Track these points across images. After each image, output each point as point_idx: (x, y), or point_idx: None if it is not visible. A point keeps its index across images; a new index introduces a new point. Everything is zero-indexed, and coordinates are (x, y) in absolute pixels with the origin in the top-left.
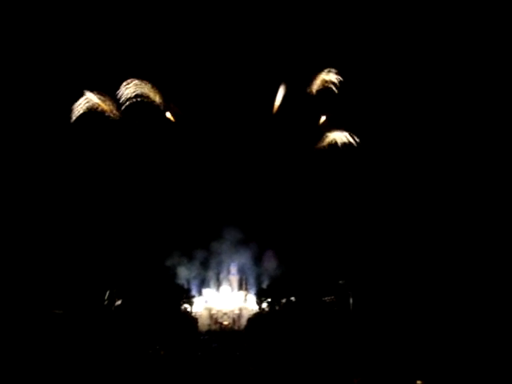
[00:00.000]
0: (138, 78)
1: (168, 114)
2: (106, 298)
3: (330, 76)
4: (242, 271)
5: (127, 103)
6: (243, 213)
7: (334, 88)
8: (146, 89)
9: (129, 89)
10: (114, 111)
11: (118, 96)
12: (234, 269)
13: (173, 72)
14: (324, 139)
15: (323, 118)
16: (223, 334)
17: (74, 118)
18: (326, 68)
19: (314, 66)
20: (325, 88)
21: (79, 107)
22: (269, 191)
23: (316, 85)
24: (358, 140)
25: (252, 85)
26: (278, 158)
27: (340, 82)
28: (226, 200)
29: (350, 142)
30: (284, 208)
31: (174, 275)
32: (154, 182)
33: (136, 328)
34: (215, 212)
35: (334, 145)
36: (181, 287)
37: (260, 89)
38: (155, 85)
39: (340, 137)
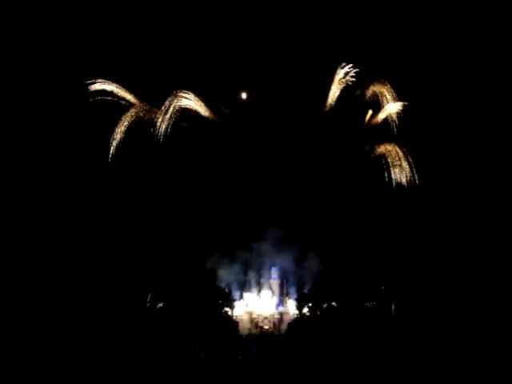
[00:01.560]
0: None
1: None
2: (147, 300)
3: (383, 89)
4: (283, 275)
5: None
6: (286, 216)
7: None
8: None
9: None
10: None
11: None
12: (275, 273)
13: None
14: (375, 149)
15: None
16: (263, 338)
17: None
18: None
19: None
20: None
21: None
22: (313, 195)
23: (369, 93)
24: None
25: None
26: (325, 161)
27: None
28: (269, 203)
29: (398, 157)
30: (327, 212)
31: (216, 279)
32: (197, 184)
33: (177, 331)
34: (258, 215)
35: (382, 156)
36: (222, 291)
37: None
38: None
39: (389, 150)
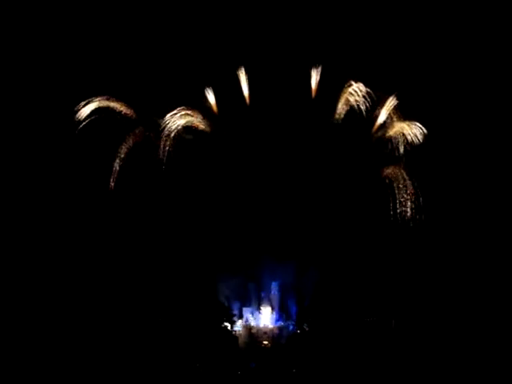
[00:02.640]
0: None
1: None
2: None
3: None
4: (283, 290)
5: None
6: (286, 231)
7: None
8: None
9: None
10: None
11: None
12: (274, 288)
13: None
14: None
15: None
16: (262, 353)
17: None
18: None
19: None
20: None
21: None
22: (316, 209)
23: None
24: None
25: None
26: (329, 175)
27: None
28: (270, 218)
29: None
30: (329, 227)
31: (215, 293)
32: (198, 198)
33: (176, 345)
34: (259, 230)
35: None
36: (221, 305)
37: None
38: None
39: (395, 173)
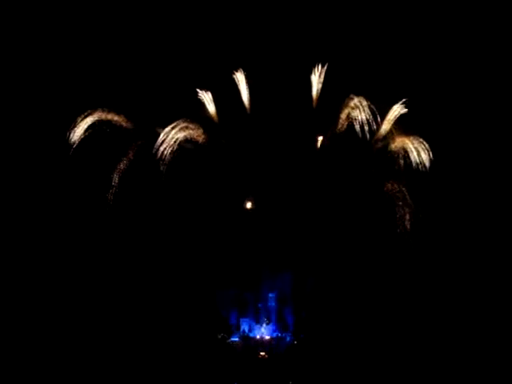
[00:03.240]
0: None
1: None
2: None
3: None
4: (280, 301)
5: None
6: (284, 241)
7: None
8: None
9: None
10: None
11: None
12: (272, 299)
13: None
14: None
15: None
16: (260, 364)
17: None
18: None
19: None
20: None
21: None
22: (312, 219)
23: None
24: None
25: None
26: (325, 187)
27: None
28: (269, 229)
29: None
30: (326, 237)
31: (213, 304)
32: (195, 210)
33: (171, 356)
34: (256, 241)
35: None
36: (219, 316)
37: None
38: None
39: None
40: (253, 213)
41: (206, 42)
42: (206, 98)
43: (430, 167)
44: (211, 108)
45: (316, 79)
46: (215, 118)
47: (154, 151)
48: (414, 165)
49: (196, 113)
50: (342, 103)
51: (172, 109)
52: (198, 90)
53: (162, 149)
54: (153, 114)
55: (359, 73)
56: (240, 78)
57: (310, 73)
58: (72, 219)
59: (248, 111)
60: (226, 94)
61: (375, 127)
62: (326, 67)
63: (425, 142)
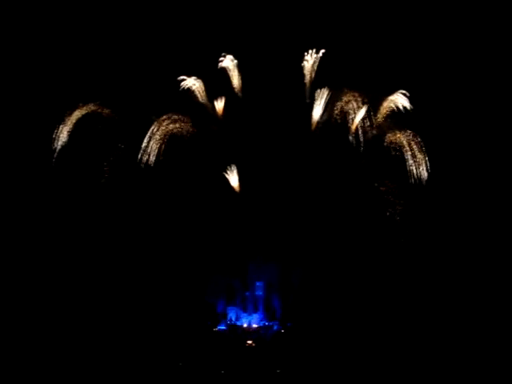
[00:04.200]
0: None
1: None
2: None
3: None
4: (267, 290)
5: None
6: (272, 230)
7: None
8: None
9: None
10: None
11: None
12: (259, 288)
13: None
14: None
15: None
16: (247, 352)
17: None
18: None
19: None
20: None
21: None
22: (301, 208)
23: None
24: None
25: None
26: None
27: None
28: (258, 217)
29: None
30: (313, 225)
31: (201, 292)
32: (185, 199)
33: (159, 344)
34: (245, 230)
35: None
36: (206, 304)
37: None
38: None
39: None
40: (242, 200)
41: (195, 28)
42: (197, 85)
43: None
44: (202, 96)
45: (309, 67)
46: (208, 106)
47: (143, 144)
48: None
49: (186, 102)
50: (334, 94)
51: (162, 99)
52: (186, 77)
53: (151, 142)
54: (143, 104)
55: (353, 63)
56: (230, 64)
57: (302, 60)
58: (63, 209)
59: (239, 97)
60: (217, 81)
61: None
62: (320, 54)
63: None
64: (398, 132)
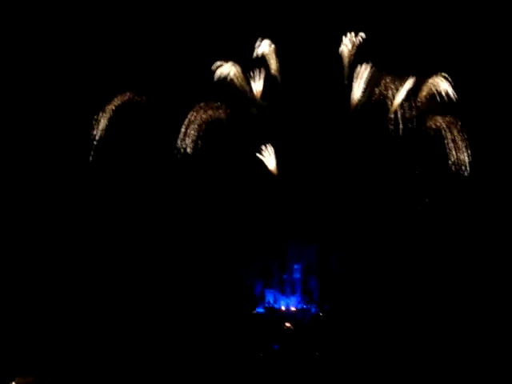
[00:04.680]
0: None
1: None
2: None
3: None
4: (305, 273)
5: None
6: (312, 212)
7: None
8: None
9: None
10: None
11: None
12: (297, 270)
13: None
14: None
15: None
16: (285, 335)
17: None
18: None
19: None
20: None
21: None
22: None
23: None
24: None
25: None
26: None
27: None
28: (293, 199)
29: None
30: (351, 208)
31: (237, 275)
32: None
33: (198, 327)
34: (283, 211)
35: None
36: (244, 287)
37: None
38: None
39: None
40: (280, 183)
41: (231, 13)
42: (235, 70)
43: None
44: (240, 80)
45: (347, 50)
46: (246, 91)
47: (181, 133)
48: None
49: (224, 88)
50: (374, 76)
51: (200, 86)
52: (223, 62)
53: (189, 129)
54: (180, 92)
55: (392, 45)
56: (268, 49)
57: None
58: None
59: (278, 80)
60: (255, 65)
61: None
62: (359, 37)
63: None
64: (438, 116)
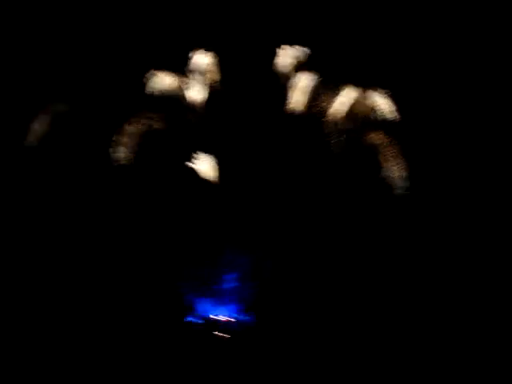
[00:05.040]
0: None
1: None
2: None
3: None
4: (241, 282)
5: None
6: (244, 218)
7: None
8: None
9: None
10: None
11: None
12: (232, 279)
13: None
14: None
15: None
16: (218, 346)
17: None
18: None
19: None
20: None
21: None
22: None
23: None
24: None
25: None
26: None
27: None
28: (230, 206)
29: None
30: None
31: (174, 285)
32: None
33: (130, 340)
34: (214, 217)
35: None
36: (180, 297)
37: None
38: None
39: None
40: (216, 190)
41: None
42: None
43: None
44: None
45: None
46: (183, 100)
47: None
48: None
49: (159, 99)
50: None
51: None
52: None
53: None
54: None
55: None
56: (205, 60)
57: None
58: None
59: (216, 88)
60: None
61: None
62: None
63: None
64: (373, 133)
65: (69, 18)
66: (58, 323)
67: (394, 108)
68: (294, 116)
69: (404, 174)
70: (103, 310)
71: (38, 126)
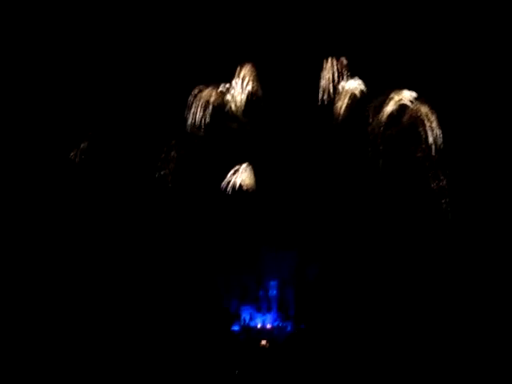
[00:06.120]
0: None
1: None
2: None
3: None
4: (282, 289)
5: None
6: (287, 220)
7: None
8: None
9: None
10: None
11: None
12: (273, 287)
13: None
14: None
15: None
16: (260, 353)
17: None
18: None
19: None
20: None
21: None
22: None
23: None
24: None
25: None
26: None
27: None
28: (270, 210)
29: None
30: (330, 219)
31: (214, 292)
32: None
33: (172, 346)
34: (255, 225)
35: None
36: (220, 304)
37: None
38: None
39: None
40: (257, 196)
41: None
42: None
43: None
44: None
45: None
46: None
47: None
48: None
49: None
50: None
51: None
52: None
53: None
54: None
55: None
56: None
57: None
58: None
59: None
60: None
61: None
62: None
63: None
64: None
65: (111, 38)
66: (101, 330)
67: (439, 127)
68: (337, 125)
69: (444, 187)
70: (151, 318)
71: (86, 146)
